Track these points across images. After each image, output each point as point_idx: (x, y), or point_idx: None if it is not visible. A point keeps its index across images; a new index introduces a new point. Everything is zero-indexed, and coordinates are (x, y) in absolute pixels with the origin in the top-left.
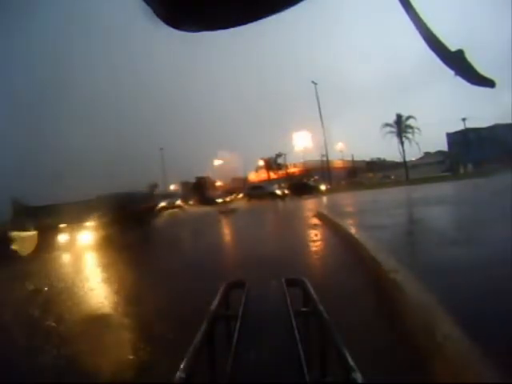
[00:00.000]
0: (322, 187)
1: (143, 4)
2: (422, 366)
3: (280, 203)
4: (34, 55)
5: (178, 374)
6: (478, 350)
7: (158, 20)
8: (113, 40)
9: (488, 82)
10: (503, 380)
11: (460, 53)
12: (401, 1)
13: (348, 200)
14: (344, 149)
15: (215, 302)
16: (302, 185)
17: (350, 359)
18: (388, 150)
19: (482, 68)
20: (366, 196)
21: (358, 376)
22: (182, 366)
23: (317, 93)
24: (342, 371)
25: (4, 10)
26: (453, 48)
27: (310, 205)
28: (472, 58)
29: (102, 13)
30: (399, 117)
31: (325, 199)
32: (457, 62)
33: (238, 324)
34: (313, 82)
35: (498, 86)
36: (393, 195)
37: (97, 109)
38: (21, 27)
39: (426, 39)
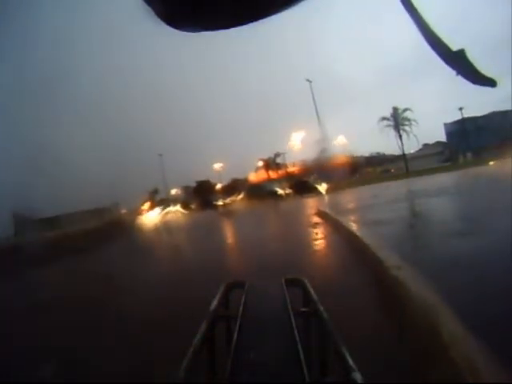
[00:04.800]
0: (323, 186)
1: (143, 4)
2: (422, 366)
3: (281, 203)
4: (32, 56)
5: (178, 374)
6: (484, 349)
7: (158, 20)
8: (112, 41)
9: (489, 82)
10: (507, 380)
11: (461, 52)
12: (402, 0)
13: (350, 197)
14: (345, 143)
15: (215, 302)
16: (303, 183)
17: (349, 359)
18: (387, 143)
19: (481, 63)
20: (367, 191)
21: (358, 376)
22: (182, 366)
23: (312, 90)
24: (341, 371)
25: (4, 8)
26: (453, 46)
27: (311, 203)
28: (475, 56)
29: (102, 13)
30: (395, 110)
31: (326, 197)
32: (458, 61)
33: (238, 324)
34: (307, 80)
35: (493, 73)
36: (393, 189)
37: (95, 115)
38: (19, 26)
39: (428, 39)
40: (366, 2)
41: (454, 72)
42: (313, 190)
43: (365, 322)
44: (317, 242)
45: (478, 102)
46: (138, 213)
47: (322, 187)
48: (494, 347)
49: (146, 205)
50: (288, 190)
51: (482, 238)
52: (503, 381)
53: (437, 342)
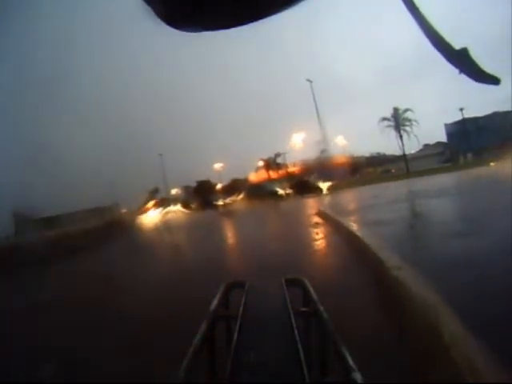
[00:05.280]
0: (325, 185)
1: (143, 4)
2: (422, 366)
3: (282, 203)
4: (32, 56)
5: (178, 374)
6: (484, 349)
7: (158, 20)
8: (112, 41)
9: (493, 80)
10: (507, 380)
11: (464, 50)
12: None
13: (350, 197)
14: (346, 144)
15: (215, 302)
16: (304, 183)
17: (349, 359)
18: (387, 143)
19: (482, 63)
20: (367, 192)
21: (358, 376)
22: (182, 366)
23: (312, 90)
24: (341, 371)
25: (4, 8)
26: (455, 45)
27: (311, 203)
28: (476, 55)
29: (102, 13)
30: (396, 110)
31: (327, 197)
32: (461, 59)
33: (238, 324)
34: (308, 80)
35: (496, 74)
36: (394, 189)
37: (95, 115)
38: (19, 26)
39: (430, 38)
40: (367, 2)
41: (456, 71)
42: (314, 190)
43: (364, 321)
44: (317, 243)
45: (479, 103)
46: (140, 212)
47: (324, 186)
48: (494, 347)
49: (151, 203)
50: (288, 190)
51: (482, 239)
52: (503, 381)
53: (437, 342)
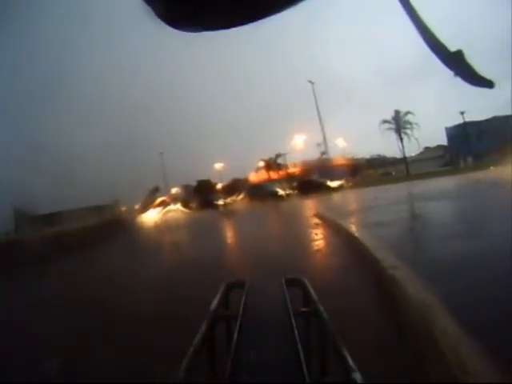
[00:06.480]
0: (333, 184)
1: (143, 4)
2: (420, 367)
3: (282, 203)
4: (32, 56)
5: (178, 374)
6: (482, 350)
7: (159, 20)
8: (112, 41)
9: (487, 83)
10: (503, 380)
11: (459, 53)
12: (400, 0)
13: (351, 198)
14: (346, 146)
15: (215, 302)
16: (308, 183)
17: (349, 359)
18: (388, 146)
19: (481, 67)
20: (369, 193)
21: (358, 376)
22: (182, 366)
23: (314, 92)
24: (341, 371)
25: (4, 8)
26: (452, 48)
27: (310, 204)
28: (471, 58)
29: (103, 13)
30: (397, 113)
31: (328, 197)
32: (456, 62)
33: (238, 324)
34: (309, 81)
35: (496, 78)
36: (394, 192)
37: (97, 115)
38: (19, 26)
39: (426, 39)
40: (367, 3)
41: (452, 73)
42: (318, 189)
43: (362, 321)
44: (316, 243)
45: (480, 107)
46: (141, 210)
47: (333, 184)
48: (494, 348)
49: (158, 201)
50: (288, 191)
51: (481, 241)
52: (501, 381)
53: (432, 341)
